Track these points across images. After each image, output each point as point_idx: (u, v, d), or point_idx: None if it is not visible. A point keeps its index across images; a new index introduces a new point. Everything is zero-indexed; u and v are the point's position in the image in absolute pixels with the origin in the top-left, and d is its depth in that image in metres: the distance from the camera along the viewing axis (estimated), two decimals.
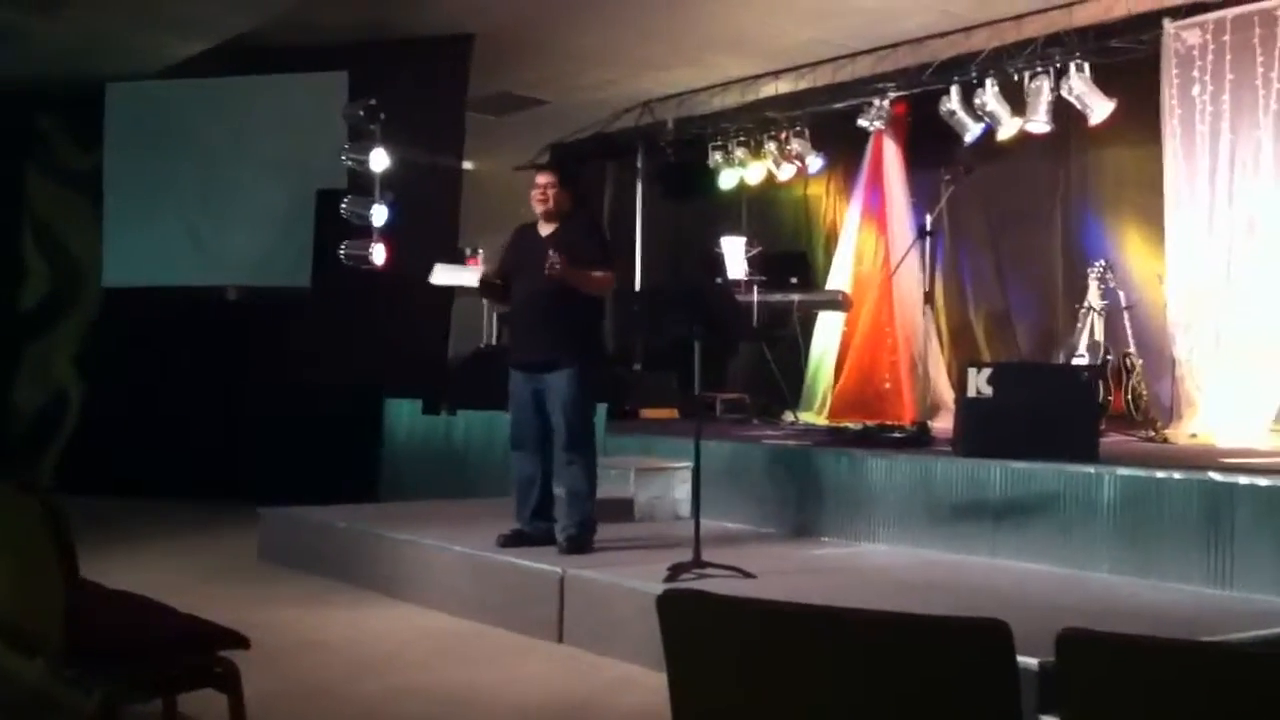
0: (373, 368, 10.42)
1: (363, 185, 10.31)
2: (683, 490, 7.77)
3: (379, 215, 10.17)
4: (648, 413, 10.91)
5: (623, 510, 7.70)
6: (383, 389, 10.58)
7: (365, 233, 10.20)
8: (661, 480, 7.89)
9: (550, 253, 6.16)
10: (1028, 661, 3.41)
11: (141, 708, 3.81)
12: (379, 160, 10.20)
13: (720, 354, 11.05)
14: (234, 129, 11.14)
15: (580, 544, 6.33)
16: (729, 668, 2.11)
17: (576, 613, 5.82)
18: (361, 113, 10.21)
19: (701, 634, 2.13)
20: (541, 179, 6.57)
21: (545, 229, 6.53)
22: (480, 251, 15.90)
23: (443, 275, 7.40)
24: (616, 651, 5.40)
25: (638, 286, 13.34)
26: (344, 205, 10.23)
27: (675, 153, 12.99)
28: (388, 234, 10.22)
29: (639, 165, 13.58)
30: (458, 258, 13.87)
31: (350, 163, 10.33)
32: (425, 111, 10.64)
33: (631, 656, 5.23)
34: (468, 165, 12.21)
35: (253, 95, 11.17)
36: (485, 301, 16.24)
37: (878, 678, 1.99)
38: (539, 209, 6.52)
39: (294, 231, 10.82)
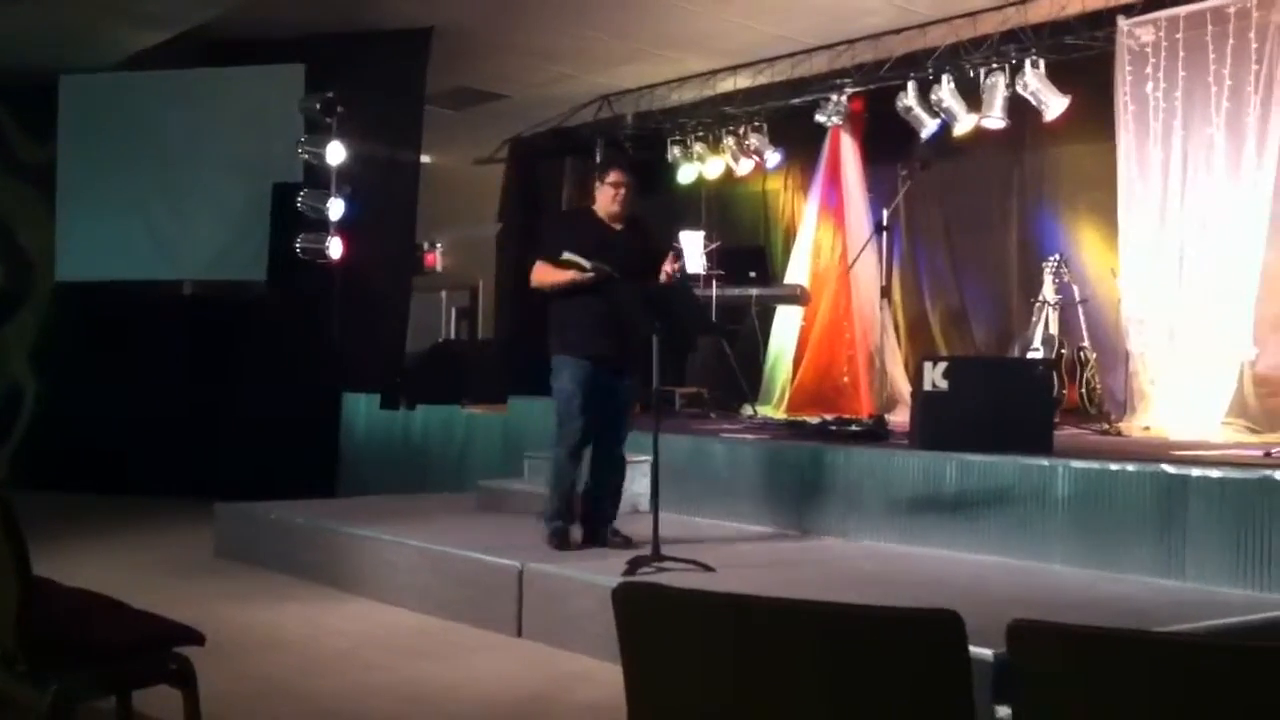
0: (330, 362, 10.37)
1: (319, 179, 10.26)
2: (642, 484, 7.76)
3: (335, 209, 10.13)
4: None
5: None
6: (340, 384, 10.54)
7: (322, 226, 10.15)
8: None
9: (670, 265, 6.17)
10: (982, 653, 3.44)
11: (96, 705, 3.78)
12: (336, 153, 10.15)
13: (679, 349, 11.06)
14: (190, 122, 11.04)
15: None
16: (684, 660, 2.12)
17: (535, 607, 5.82)
18: (318, 106, 10.16)
19: (657, 627, 2.14)
20: (618, 177, 6.32)
21: (615, 224, 6.33)
22: (438, 245, 15.91)
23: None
24: (575, 645, 5.41)
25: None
26: (300, 199, 10.18)
27: (634, 147, 12.99)
28: (345, 228, 10.18)
29: (598, 160, 13.56)
30: (418, 252, 13.87)
31: (307, 156, 10.28)
32: (383, 105, 10.60)
33: (590, 650, 5.24)
34: (426, 159, 12.16)
35: (209, 88, 11.09)
36: (444, 295, 16.28)
37: (831, 669, 2.01)
38: (615, 209, 6.29)
39: (250, 226, 10.75)
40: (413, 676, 5.21)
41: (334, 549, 7.14)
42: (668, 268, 6.12)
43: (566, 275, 6.20)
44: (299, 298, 10.44)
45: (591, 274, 6.12)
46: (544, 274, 6.34)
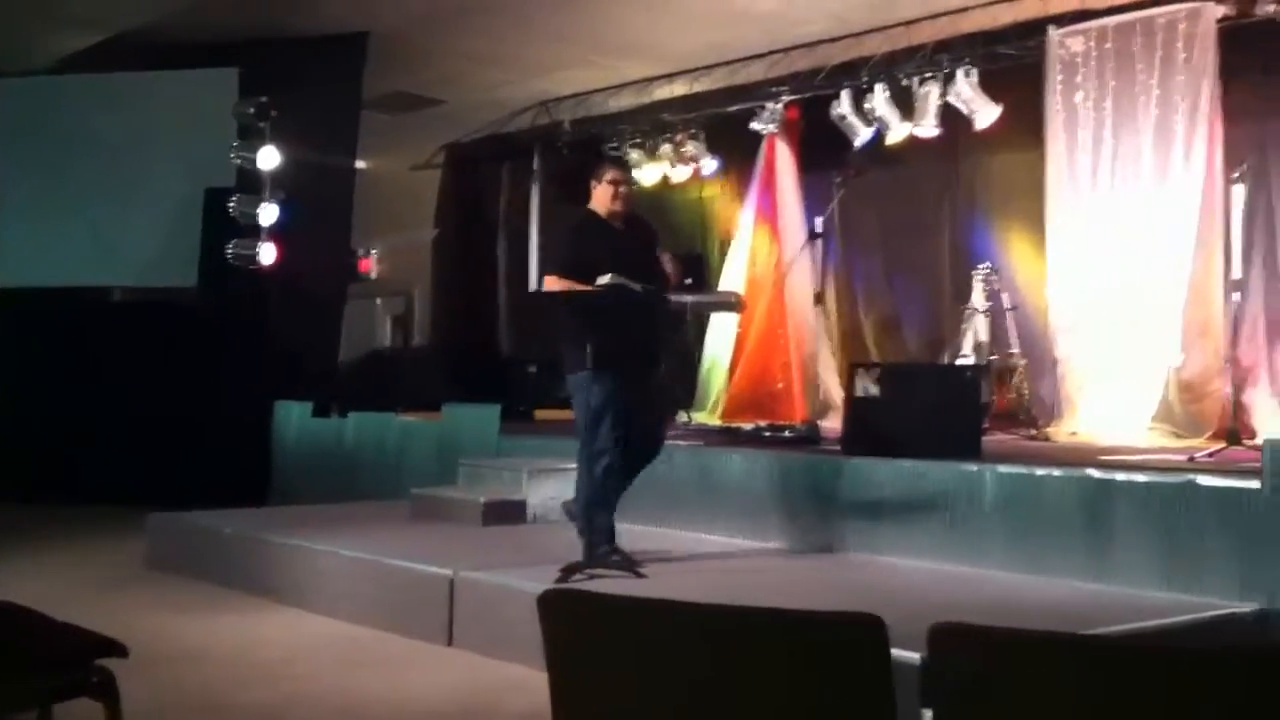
0: (262, 369, 10.26)
1: (252, 184, 10.16)
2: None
3: (268, 214, 10.04)
4: (543, 414, 10.90)
5: (516, 512, 7.68)
6: (272, 391, 10.43)
7: (254, 232, 10.05)
8: (556, 481, 7.86)
9: (667, 259, 6.14)
10: (910, 656, 3.45)
11: (16, 718, 3.70)
12: (269, 158, 10.07)
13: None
14: (122, 126, 10.90)
15: None
16: (609, 667, 2.12)
17: (467, 616, 5.79)
18: (251, 110, 10.07)
19: (582, 633, 2.13)
20: (617, 174, 6.23)
21: (616, 224, 6.17)
22: (374, 252, 15.80)
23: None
24: (507, 654, 5.38)
25: (533, 288, 13.33)
26: (232, 204, 10.07)
27: (572, 154, 12.99)
28: (277, 233, 10.09)
29: (535, 166, 13.55)
30: (353, 258, 13.78)
31: (239, 160, 10.17)
32: (318, 110, 10.53)
33: (522, 659, 5.21)
34: (361, 164, 12.09)
35: (142, 92, 10.95)
36: (379, 302, 16.17)
37: (755, 674, 2.01)
38: (617, 207, 6.13)
39: (182, 231, 10.63)
40: (342, 687, 5.16)
41: (265, 559, 7.06)
42: (667, 265, 6.06)
43: (587, 290, 5.93)
44: (231, 304, 10.32)
45: (641, 295, 5.90)
46: (559, 288, 6.08)
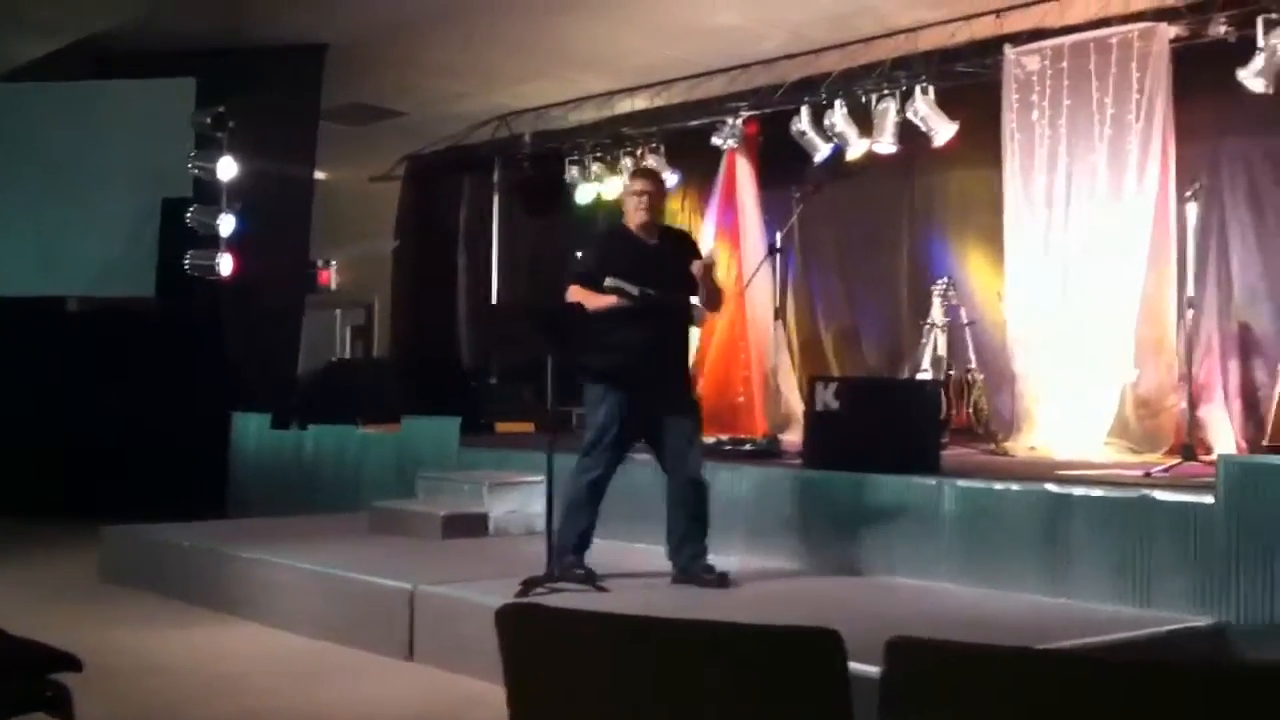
0: (220, 381, 10.19)
1: (210, 194, 10.10)
2: (539, 504, 7.73)
3: (226, 225, 9.99)
4: (503, 427, 10.87)
5: (477, 525, 7.67)
6: (230, 403, 10.36)
7: (212, 243, 10.00)
8: (516, 494, 7.86)
9: (706, 254, 6.07)
10: (869, 670, 3.48)
11: None
12: (227, 169, 10.02)
13: (576, 368, 11.05)
14: (78, 134, 10.80)
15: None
16: (567, 681, 2.12)
17: (427, 630, 5.77)
18: (209, 120, 10.02)
19: (540, 648, 2.14)
20: (640, 185, 6.09)
21: (648, 238, 6.05)
22: (333, 263, 15.72)
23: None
24: (467, 668, 5.36)
25: (494, 301, 13.31)
26: (189, 214, 10.01)
27: (532, 167, 12.99)
28: (235, 244, 10.03)
29: (495, 179, 13.54)
30: (312, 269, 13.71)
31: (197, 171, 10.12)
32: (276, 120, 10.48)
33: (481, 673, 5.19)
34: (321, 175, 12.05)
35: (98, 100, 10.86)
36: (339, 313, 16.09)
37: (713, 688, 2.02)
38: (640, 218, 6.00)
39: (139, 241, 10.54)
40: (299, 701, 5.13)
41: (222, 572, 7.01)
42: (696, 272, 5.90)
43: (605, 300, 5.84)
44: (189, 314, 10.25)
45: (638, 300, 5.81)
46: (580, 298, 5.97)
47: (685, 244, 6.26)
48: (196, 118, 10.16)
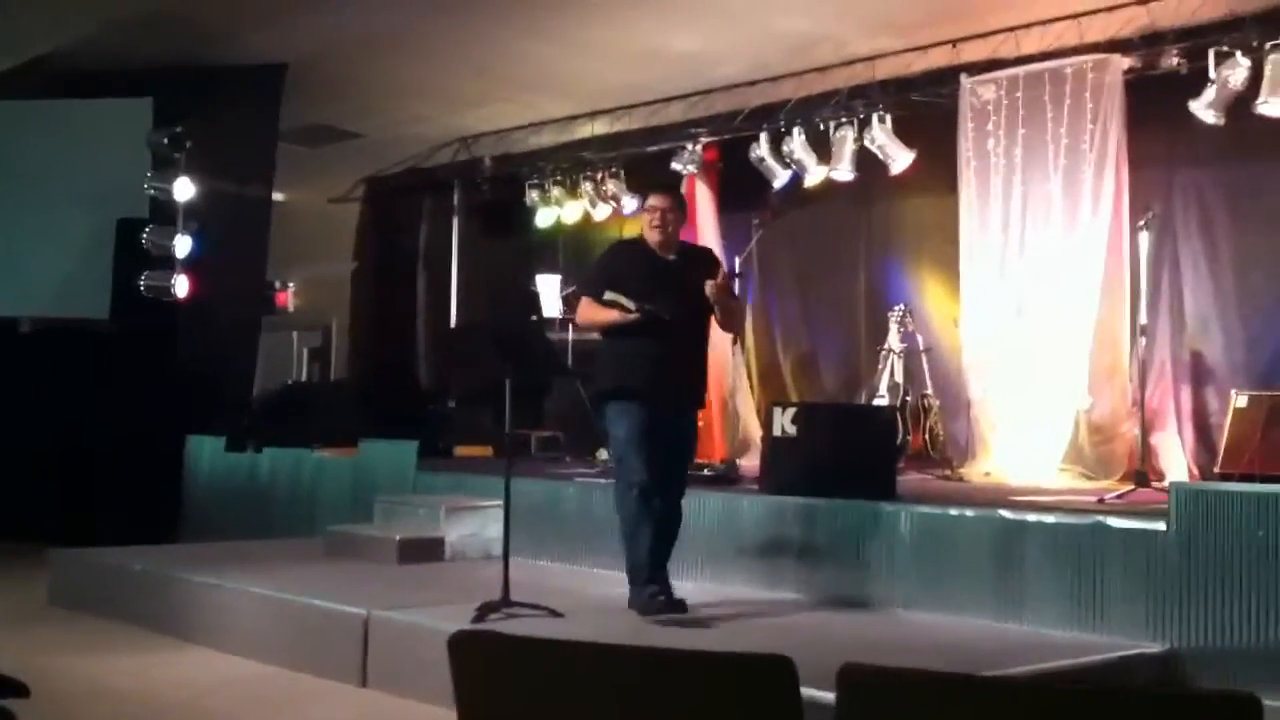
0: (174, 403, 10.10)
1: (166, 215, 10.03)
2: (495, 529, 7.71)
3: (182, 246, 9.92)
4: (462, 450, 10.83)
5: (433, 549, 7.62)
6: (185, 425, 10.26)
7: (168, 264, 9.92)
8: (474, 519, 7.82)
9: (710, 286, 5.76)
10: (823, 696, 3.49)
11: None
12: (183, 189, 9.95)
13: (535, 391, 11.04)
14: (32, 154, 10.71)
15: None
16: (519, 708, 2.11)
17: (381, 655, 5.72)
18: (166, 140, 9.96)
19: (493, 674, 2.13)
20: (657, 202, 5.91)
21: (664, 254, 5.90)
22: (291, 285, 15.65)
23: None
24: (422, 694, 5.32)
25: (453, 324, 13.28)
26: (145, 235, 9.94)
27: (492, 190, 12.99)
28: (192, 265, 9.96)
29: (455, 201, 13.53)
30: (269, 291, 13.64)
31: (153, 191, 10.05)
32: (234, 141, 10.44)
33: (437, 699, 5.15)
34: (279, 196, 11.98)
35: (53, 120, 10.76)
36: (296, 335, 16.00)
37: (666, 715, 2.01)
38: (655, 237, 5.86)
39: (93, 261, 10.44)
40: None
41: (174, 596, 6.92)
42: (710, 292, 5.77)
43: (611, 315, 5.76)
44: (143, 336, 10.16)
45: (636, 314, 5.69)
46: (588, 313, 5.91)
47: (704, 262, 6.01)
48: (153, 138, 10.10)
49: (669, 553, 5.93)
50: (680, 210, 5.99)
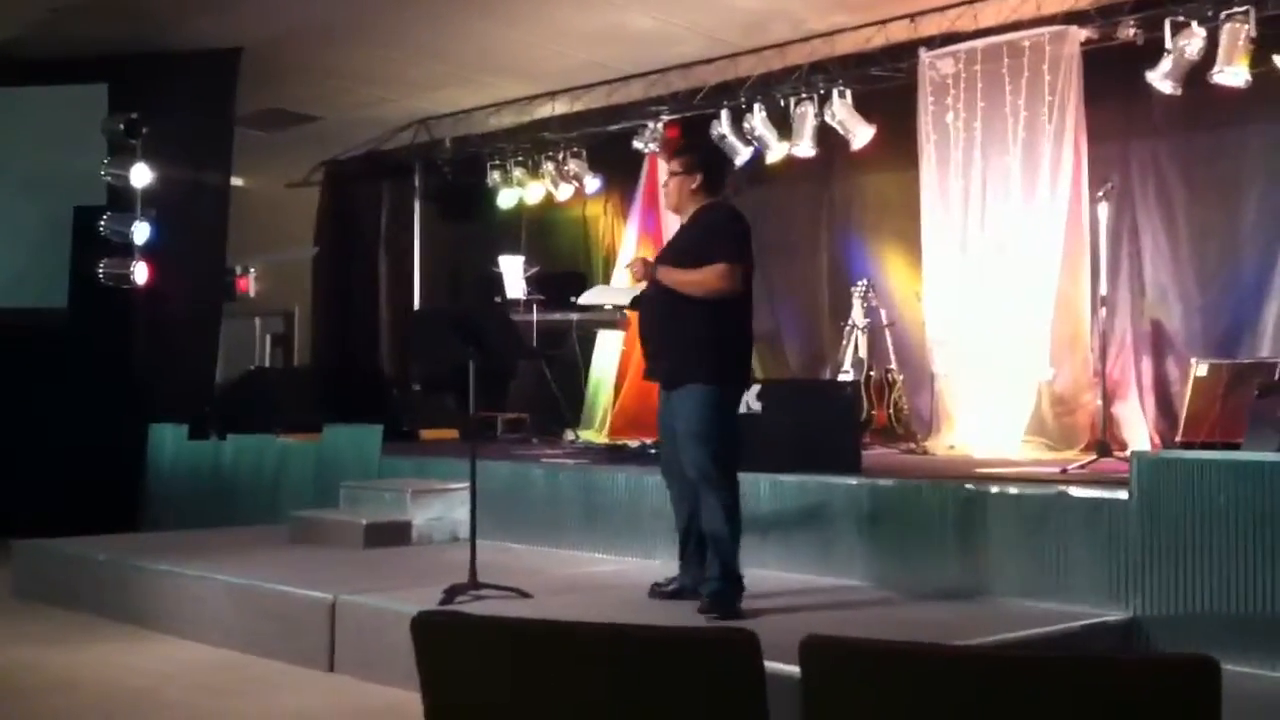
0: (135, 391, 10.01)
1: (123, 201, 9.93)
2: (463, 511, 7.69)
3: (140, 233, 9.82)
4: (428, 434, 10.80)
5: (400, 533, 7.60)
6: (146, 413, 10.18)
7: (126, 251, 9.82)
8: (440, 502, 7.80)
9: (638, 260, 5.61)
10: (788, 670, 3.50)
11: None
12: (140, 176, 9.85)
13: (500, 374, 11.02)
14: None
15: (721, 602, 5.20)
16: (484, 689, 2.10)
17: (348, 640, 5.70)
18: (122, 126, 9.84)
19: (456, 656, 2.12)
20: (671, 166, 5.63)
21: (681, 218, 5.69)
22: (252, 270, 15.52)
23: (596, 296, 6.71)
24: (390, 678, 5.30)
25: (416, 307, 13.23)
26: (102, 222, 9.83)
27: (453, 172, 12.92)
28: (150, 252, 9.86)
29: (416, 184, 13.46)
30: (230, 277, 13.53)
31: (110, 178, 9.94)
32: (191, 126, 10.33)
33: (404, 683, 5.12)
34: (237, 182, 11.89)
35: (5, 108, 10.61)
36: (258, 321, 15.91)
37: (630, 693, 2.01)
38: (670, 202, 5.73)
39: (50, 250, 10.33)
40: (217, 715, 5.05)
41: (137, 585, 6.87)
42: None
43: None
44: (103, 324, 10.06)
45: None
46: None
47: (700, 225, 5.57)
48: (109, 124, 9.98)
49: (694, 542, 5.56)
50: (688, 171, 5.54)
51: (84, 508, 9.07)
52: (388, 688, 5.22)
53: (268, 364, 15.29)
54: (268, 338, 15.97)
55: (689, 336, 5.37)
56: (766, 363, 11.00)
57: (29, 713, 4.78)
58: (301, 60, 10.51)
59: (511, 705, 2.11)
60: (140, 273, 9.82)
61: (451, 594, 5.63)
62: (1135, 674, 1.94)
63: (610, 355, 11.41)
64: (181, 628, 6.44)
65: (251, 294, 15.59)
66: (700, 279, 5.34)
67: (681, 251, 5.51)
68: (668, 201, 5.79)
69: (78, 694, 5.32)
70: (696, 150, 6.07)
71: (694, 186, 5.54)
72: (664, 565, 6.68)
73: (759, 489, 6.53)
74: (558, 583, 6.23)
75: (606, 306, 5.61)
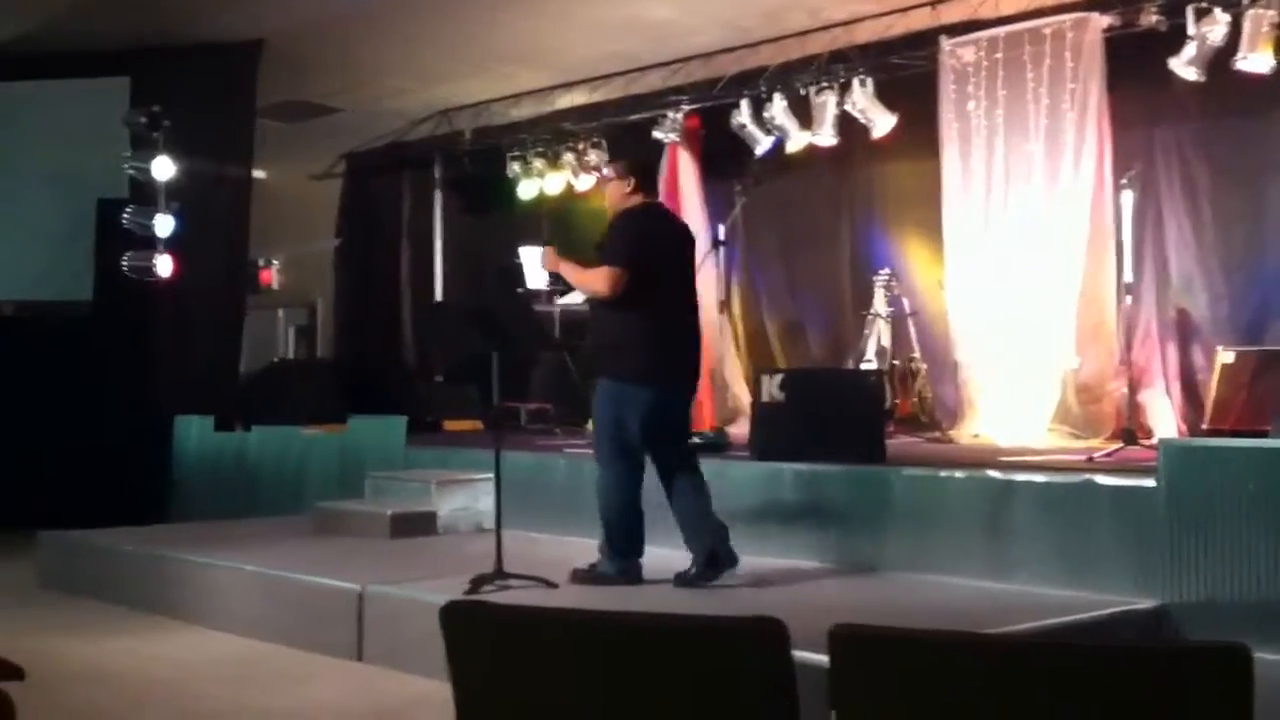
0: (161, 384, 10.07)
1: (146, 195, 9.97)
2: (487, 502, 7.72)
3: (163, 225, 9.86)
4: (451, 425, 10.82)
5: (425, 523, 7.63)
6: (172, 406, 10.24)
7: (149, 244, 9.87)
8: (464, 492, 7.83)
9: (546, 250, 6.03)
10: (817, 658, 3.50)
11: None
12: (163, 168, 9.88)
13: (523, 365, 11.02)
14: (8, 137, 10.63)
15: (597, 577, 5.81)
16: (512, 677, 2.11)
17: (376, 630, 5.73)
18: (144, 119, 9.88)
19: (484, 645, 2.13)
20: (606, 171, 6.21)
21: None
22: (275, 262, 15.58)
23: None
24: (418, 667, 5.33)
25: (438, 298, 13.24)
26: (126, 215, 9.88)
27: (473, 163, 12.92)
28: (173, 245, 9.91)
29: (437, 175, 13.47)
30: (253, 269, 13.58)
31: (132, 171, 9.98)
32: (212, 118, 10.36)
33: (432, 672, 5.15)
34: (259, 174, 11.92)
35: (25, 102, 10.68)
36: (281, 313, 15.95)
37: (658, 681, 2.02)
38: (607, 203, 6.09)
39: (74, 243, 10.39)
40: (243, 705, 5.08)
41: (164, 576, 6.92)
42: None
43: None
44: (128, 317, 10.12)
45: None
46: None
47: (611, 225, 5.97)
48: (131, 117, 10.02)
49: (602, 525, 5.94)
50: (619, 175, 5.98)
51: (111, 499, 9.13)
52: (416, 677, 5.25)
53: (291, 356, 15.38)
54: (291, 329, 16.06)
55: (600, 337, 5.90)
56: (788, 352, 10.99)
57: (57, 703, 4.82)
58: (322, 52, 10.53)
59: (541, 694, 2.12)
60: (164, 265, 9.87)
61: (477, 584, 5.65)
62: (1165, 662, 1.94)
63: None
64: (209, 618, 6.49)
65: (274, 286, 15.68)
66: (584, 279, 5.82)
67: (599, 249, 5.88)
68: (607, 203, 6.07)
69: (105, 684, 5.37)
70: (629, 156, 6.63)
71: (628, 190, 5.89)
72: (686, 555, 6.69)
73: (783, 477, 6.53)
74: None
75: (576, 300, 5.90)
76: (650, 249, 5.74)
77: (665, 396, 5.77)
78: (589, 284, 5.76)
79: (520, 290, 10.78)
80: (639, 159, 6.56)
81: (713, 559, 5.73)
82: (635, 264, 5.62)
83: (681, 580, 5.74)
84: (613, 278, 5.59)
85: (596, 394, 5.82)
